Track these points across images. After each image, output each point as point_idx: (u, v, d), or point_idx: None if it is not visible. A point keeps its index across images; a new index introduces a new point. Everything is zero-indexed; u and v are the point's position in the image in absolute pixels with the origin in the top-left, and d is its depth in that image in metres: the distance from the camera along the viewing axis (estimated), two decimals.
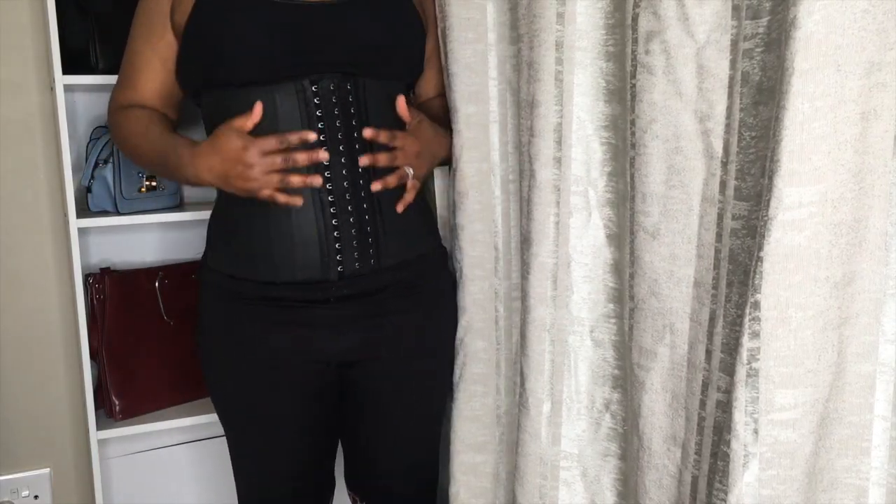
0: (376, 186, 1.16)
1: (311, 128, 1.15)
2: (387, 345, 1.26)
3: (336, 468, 1.41)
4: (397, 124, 1.23)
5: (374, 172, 1.19)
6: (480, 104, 1.25)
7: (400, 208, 1.21)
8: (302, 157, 1.11)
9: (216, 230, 1.28)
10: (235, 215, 1.23)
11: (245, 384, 1.25)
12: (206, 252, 1.29)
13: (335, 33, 1.18)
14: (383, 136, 1.16)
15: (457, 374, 1.34)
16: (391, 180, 1.17)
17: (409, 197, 1.21)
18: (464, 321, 1.32)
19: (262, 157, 1.09)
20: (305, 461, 1.32)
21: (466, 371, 1.33)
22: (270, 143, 1.10)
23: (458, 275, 1.33)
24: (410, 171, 1.19)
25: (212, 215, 1.30)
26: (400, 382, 1.29)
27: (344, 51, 1.18)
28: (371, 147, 1.18)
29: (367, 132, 1.15)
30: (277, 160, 1.10)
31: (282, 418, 1.27)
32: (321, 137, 1.16)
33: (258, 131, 1.15)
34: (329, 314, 1.22)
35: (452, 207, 1.32)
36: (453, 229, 1.33)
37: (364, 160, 1.16)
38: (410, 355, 1.28)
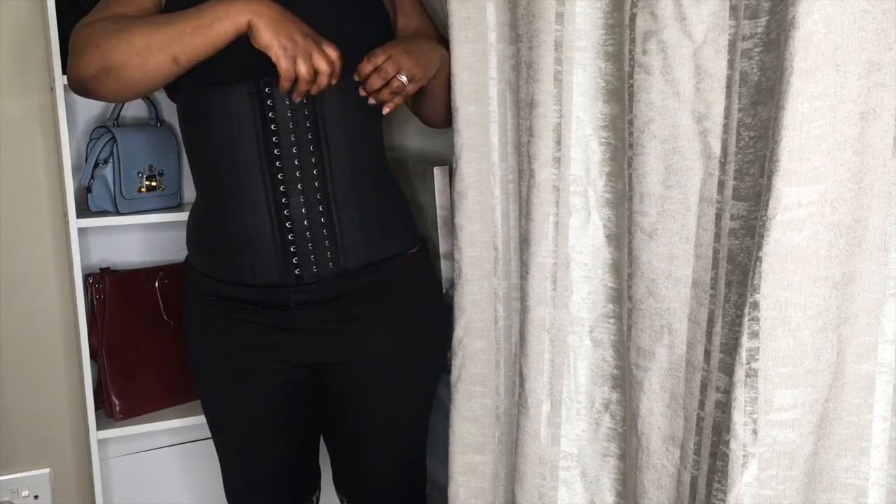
0: (372, 102, 1.15)
1: (265, 128, 1.13)
2: (354, 351, 1.24)
3: (325, 470, 1.40)
4: (354, 121, 1.20)
5: (355, 164, 1.18)
6: (480, 104, 1.25)
7: (386, 110, 1.18)
8: (317, 86, 1.06)
9: (191, 227, 1.27)
10: (205, 213, 1.22)
11: (222, 378, 1.25)
12: (188, 248, 1.30)
13: None
14: (367, 66, 1.13)
15: (455, 374, 1.34)
16: (385, 94, 1.15)
17: (397, 101, 1.18)
18: (463, 321, 1.32)
19: (315, 46, 1.04)
20: (283, 457, 1.31)
21: (465, 371, 1.33)
22: (331, 49, 1.06)
23: (456, 275, 1.32)
24: (404, 78, 1.16)
25: (189, 212, 1.29)
26: (375, 389, 1.27)
27: None
28: (327, 154, 1.16)
29: (357, 76, 1.14)
30: (305, 65, 1.04)
31: (257, 413, 1.26)
32: (274, 140, 1.14)
33: (218, 129, 1.13)
34: (292, 319, 1.20)
35: (452, 207, 1.32)
36: (453, 229, 1.33)
37: (357, 77, 1.14)
38: (384, 361, 1.26)
